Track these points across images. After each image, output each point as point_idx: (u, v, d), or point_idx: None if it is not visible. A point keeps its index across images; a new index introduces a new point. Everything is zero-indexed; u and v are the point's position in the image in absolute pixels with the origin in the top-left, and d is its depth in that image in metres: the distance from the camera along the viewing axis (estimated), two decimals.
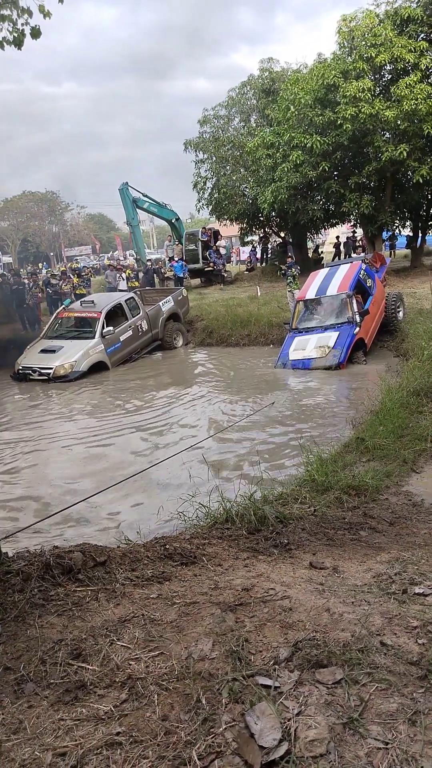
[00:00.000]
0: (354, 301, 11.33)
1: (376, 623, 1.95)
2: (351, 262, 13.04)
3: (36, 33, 5.23)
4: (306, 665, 1.71)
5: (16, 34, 5.13)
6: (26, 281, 20.57)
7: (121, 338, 13.46)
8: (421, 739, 1.38)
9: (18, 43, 5.17)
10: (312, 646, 1.79)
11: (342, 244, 27.90)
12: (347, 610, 2.07)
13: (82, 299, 14.96)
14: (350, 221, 23.53)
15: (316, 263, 22.86)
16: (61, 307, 14.41)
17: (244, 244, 30.44)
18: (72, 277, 21.38)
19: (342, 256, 26.54)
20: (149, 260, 27.38)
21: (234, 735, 1.44)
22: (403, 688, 1.57)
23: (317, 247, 29.00)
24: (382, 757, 1.34)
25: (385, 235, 22.34)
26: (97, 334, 12.89)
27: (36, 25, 5.21)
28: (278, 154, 19.05)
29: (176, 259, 23.48)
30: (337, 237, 29.34)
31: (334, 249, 28.32)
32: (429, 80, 17.42)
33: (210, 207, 25.54)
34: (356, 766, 1.32)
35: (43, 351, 12.74)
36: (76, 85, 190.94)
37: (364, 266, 12.37)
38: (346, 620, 1.98)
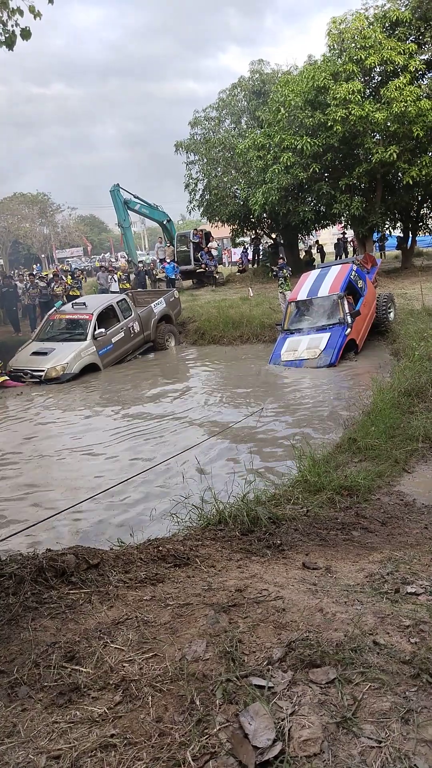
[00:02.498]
0: (345, 303, 11.37)
1: (369, 623, 1.96)
2: (342, 264, 13.09)
3: (26, 34, 5.22)
4: (299, 665, 1.71)
5: (7, 35, 5.11)
6: (17, 283, 20.45)
7: (113, 340, 13.43)
8: (413, 738, 1.39)
9: (9, 44, 5.15)
10: (305, 646, 1.79)
11: (333, 245, 27.96)
12: (340, 610, 2.08)
13: (74, 301, 14.92)
14: (341, 222, 23.62)
15: (307, 264, 22.93)
16: (53, 309, 14.38)
17: (235, 245, 30.48)
18: (64, 279, 21.26)
19: (323, 260, 26.56)
20: (140, 262, 27.33)
21: (228, 736, 1.45)
22: (396, 687, 1.58)
23: (309, 248, 29.06)
24: (376, 756, 1.35)
25: (375, 236, 22.45)
26: (89, 336, 12.86)
27: (26, 26, 5.19)
28: (269, 155, 19.10)
29: (168, 260, 23.47)
30: (317, 241, 29.35)
31: (317, 252, 28.26)
32: (418, 82, 17.55)
33: (201, 208, 25.57)
34: (350, 765, 1.32)
35: (35, 353, 12.69)
36: (66, 87, 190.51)
37: (355, 267, 12.42)
38: (338, 620, 1.98)
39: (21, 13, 5.07)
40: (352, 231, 23.28)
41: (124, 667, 1.81)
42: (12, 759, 1.45)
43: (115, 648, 1.92)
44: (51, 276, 21.88)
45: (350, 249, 26.79)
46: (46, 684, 1.75)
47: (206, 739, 1.44)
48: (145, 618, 2.12)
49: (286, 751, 1.37)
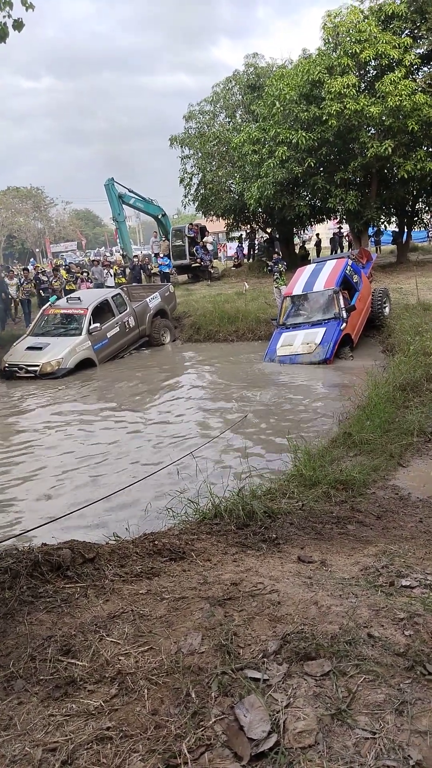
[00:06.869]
0: (341, 297, 11.37)
1: (364, 615, 1.97)
2: (337, 258, 13.08)
3: (18, 25, 5.18)
4: (294, 658, 1.72)
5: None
6: (5, 279, 20.18)
7: (108, 335, 13.40)
8: (407, 729, 1.40)
9: (1, 36, 5.12)
10: (300, 639, 1.80)
11: (329, 240, 27.87)
12: (335, 603, 2.08)
13: (69, 296, 14.88)
14: (336, 217, 23.58)
15: (303, 259, 22.90)
16: (47, 304, 14.32)
17: (230, 240, 30.34)
18: (62, 273, 21.03)
19: (319, 254, 26.50)
20: (135, 256, 27.25)
21: (223, 728, 1.45)
22: (391, 679, 1.59)
23: (303, 243, 28.98)
24: (370, 747, 1.36)
25: (370, 231, 22.43)
26: (84, 331, 12.82)
27: (19, 18, 5.16)
28: (264, 149, 19.03)
29: (162, 255, 23.41)
30: (317, 234, 29.38)
31: (315, 247, 28.15)
32: (413, 76, 17.50)
33: (196, 203, 25.45)
34: (344, 756, 1.33)
35: (30, 348, 12.65)
36: (56, 80, 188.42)
37: (350, 262, 12.42)
38: (333, 613, 1.99)
39: (11, 5, 5.04)
40: (347, 226, 23.25)
41: (119, 660, 1.81)
42: (8, 752, 1.45)
43: (111, 641, 1.92)
44: (50, 271, 21.62)
45: (346, 244, 26.70)
46: (42, 677, 1.76)
47: (202, 731, 1.45)
48: (141, 611, 2.12)
49: (281, 742, 1.38)
